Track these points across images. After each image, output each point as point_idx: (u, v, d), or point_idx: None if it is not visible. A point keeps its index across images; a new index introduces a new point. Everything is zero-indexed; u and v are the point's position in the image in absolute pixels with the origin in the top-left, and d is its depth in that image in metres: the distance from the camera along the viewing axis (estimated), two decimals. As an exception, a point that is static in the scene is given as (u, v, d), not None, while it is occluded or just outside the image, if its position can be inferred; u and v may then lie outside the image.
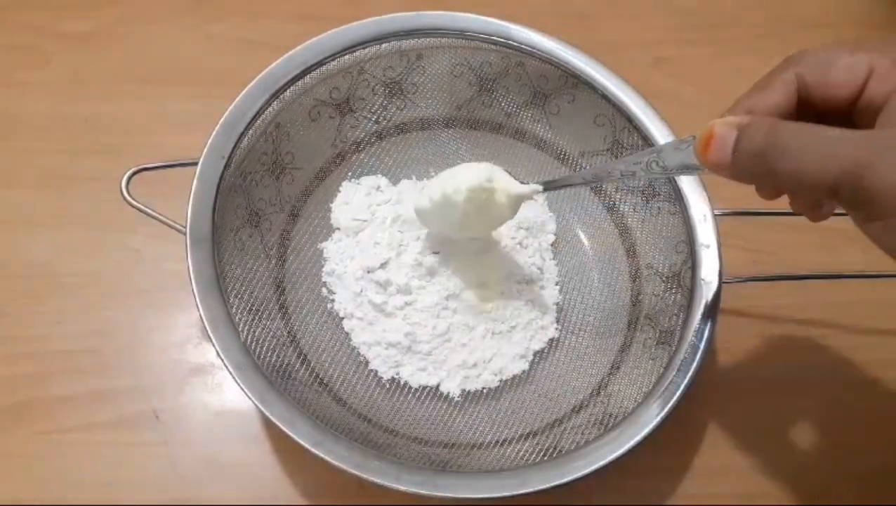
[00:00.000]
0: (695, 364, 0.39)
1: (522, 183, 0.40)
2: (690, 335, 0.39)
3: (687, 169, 0.32)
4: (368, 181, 0.48)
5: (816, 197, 0.33)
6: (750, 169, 0.29)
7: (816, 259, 0.50)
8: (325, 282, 0.46)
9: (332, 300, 0.45)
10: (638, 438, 0.37)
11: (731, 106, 0.31)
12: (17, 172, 0.51)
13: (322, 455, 0.35)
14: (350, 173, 0.49)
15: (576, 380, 0.44)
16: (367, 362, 0.44)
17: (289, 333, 0.43)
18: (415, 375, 0.43)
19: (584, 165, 0.49)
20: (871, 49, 0.29)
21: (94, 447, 0.43)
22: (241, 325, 0.38)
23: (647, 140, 0.45)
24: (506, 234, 0.46)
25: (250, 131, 0.43)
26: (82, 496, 0.42)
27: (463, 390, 0.43)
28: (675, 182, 0.43)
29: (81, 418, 0.44)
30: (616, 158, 0.48)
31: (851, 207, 0.27)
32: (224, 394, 0.45)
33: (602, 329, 0.46)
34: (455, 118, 0.50)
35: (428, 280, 0.44)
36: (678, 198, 0.43)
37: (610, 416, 0.40)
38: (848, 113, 0.30)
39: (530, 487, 0.36)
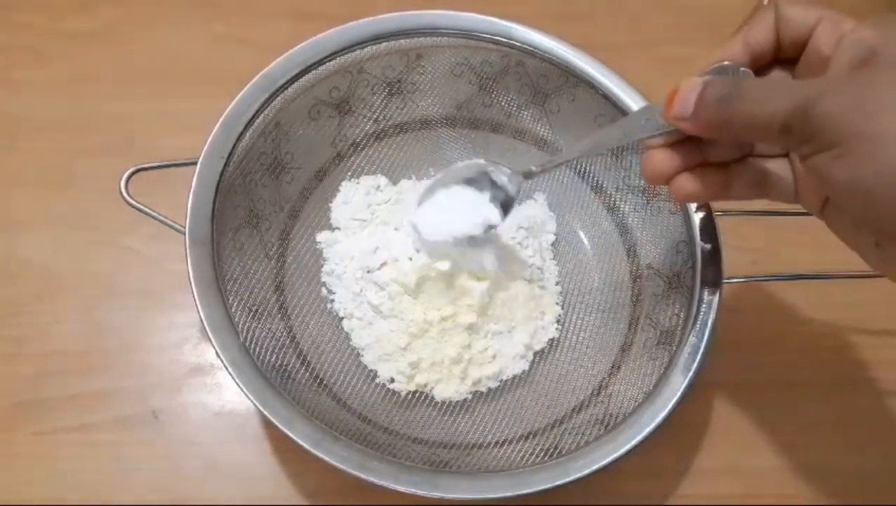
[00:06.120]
0: (695, 364, 0.38)
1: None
2: (690, 335, 0.39)
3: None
4: (368, 181, 0.48)
5: (770, 139, 0.32)
6: (710, 117, 0.31)
7: (816, 259, 0.50)
8: (324, 282, 0.46)
9: (332, 300, 0.45)
10: (638, 438, 0.37)
11: (726, 45, 0.34)
12: (17, 172, 0.51)
13: (321, 455, 0.35)
14: (350, 173, 0.49)
15: (576, 380, 0.44)
16: (366, 363, 0.44)
17: (288, 333, 0.43)
18: (414, 375, 0.43)
19: (583, 165, 0.49)
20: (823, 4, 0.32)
21: (94, 447, 0.43)
22: (240, 325, 0.38)
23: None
24: (506, 234, 0.46)
25: (249, 131, 0.43)
26: (82, 496, 0.42)
27: (463, 391, 0.43)
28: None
29: (81, 418, 0.44)
30: (617, 158, 0.47)
31: (802, 141, 0.28)
32: (223, 394, 0.45)
33: (602, 329, 0.46)
34: (455, 118, 0.50)
35: (427, 281, 0.44)
36: (678, 198, 0.43)
37: (610, 416, 0.40)
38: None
39: (530, 487, 0.36)
